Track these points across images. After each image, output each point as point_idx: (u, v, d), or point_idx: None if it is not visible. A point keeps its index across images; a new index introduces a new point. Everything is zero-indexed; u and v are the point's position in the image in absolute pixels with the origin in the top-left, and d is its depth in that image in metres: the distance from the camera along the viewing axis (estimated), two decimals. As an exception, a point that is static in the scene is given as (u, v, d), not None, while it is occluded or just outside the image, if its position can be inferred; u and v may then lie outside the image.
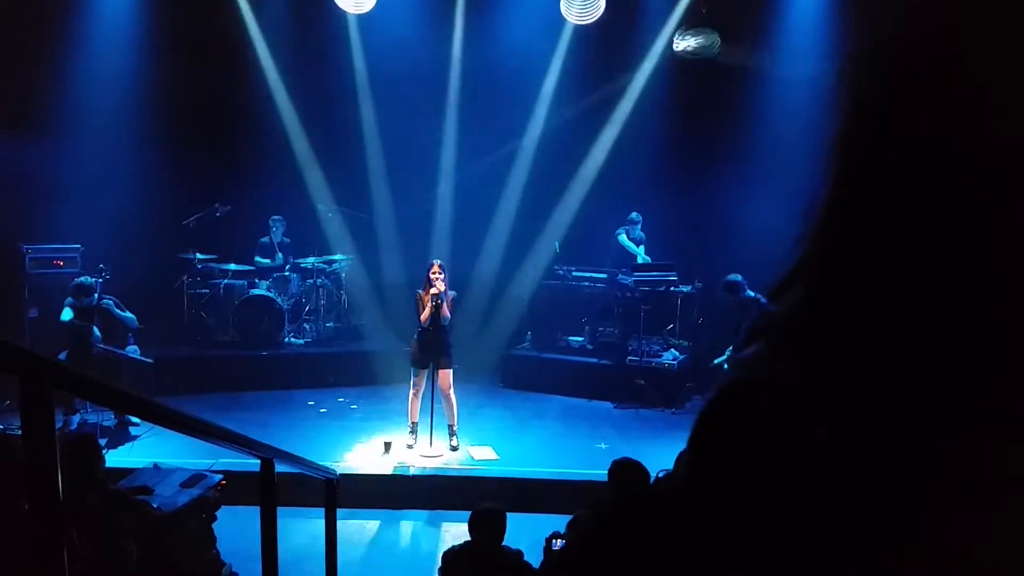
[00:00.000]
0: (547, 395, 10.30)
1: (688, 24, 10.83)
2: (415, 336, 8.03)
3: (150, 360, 8.57)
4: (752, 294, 8.57)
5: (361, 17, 11.44)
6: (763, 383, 0.76)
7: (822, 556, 0.62)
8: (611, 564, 0.88)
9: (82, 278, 8.50)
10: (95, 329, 8.18)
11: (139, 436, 7.97)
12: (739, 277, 8.63)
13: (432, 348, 7.93)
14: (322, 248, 11.28)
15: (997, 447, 0.55)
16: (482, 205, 11.88)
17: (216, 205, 10.66)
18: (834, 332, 0.63)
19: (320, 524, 4.89)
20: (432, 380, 8.00)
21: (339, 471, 5.15)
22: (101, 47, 10.61)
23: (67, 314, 8.18)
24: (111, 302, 8.46)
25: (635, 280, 10.30)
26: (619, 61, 11.66)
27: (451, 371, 8.09)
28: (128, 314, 8.59)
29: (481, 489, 7.16)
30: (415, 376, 8.09)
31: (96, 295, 8.31)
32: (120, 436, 8.03)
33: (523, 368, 10.83)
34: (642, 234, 10.94)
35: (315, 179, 11.81)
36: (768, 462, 0.68)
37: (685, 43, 10.64)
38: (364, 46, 11.65)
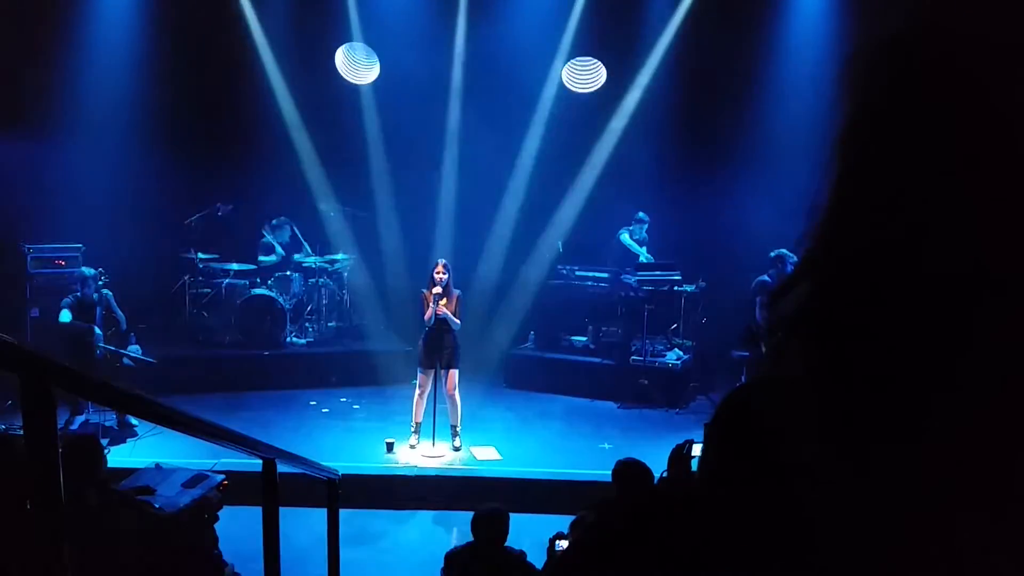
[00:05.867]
0: (550, 395, 10.29)
1: None
2: (422, 336, 8.03)
3: (152, 360, 8.55)
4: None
5: (363, 16, 11.49)
6: (770, 383, 0.76)
7: (827, 554, 0.62)
8: (615, 566, 0.87)
9: (84, 268, 8.54)
10: (96, 329, 8.17)
11: (138, 436, 7.95)
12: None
13: (438, 348, 7.92)
14: (324, 247, 11.28)
15: (998, 447, 0.55)
16: (485, 204, 11.88)
17: (218, 204, 10.67)
18: (839, 329, 0.63)
19: (322, 524, 4.88)
20: (437, 380, 7.99)
21: (341, 471, 5.14)
22: (103, 46, 10.61)
23: (65, 315, 8.18)
24: (111, 293, 8.52)
25: (638, 280, 10.29)
26: (625, 57, 11.65)
27: (456, 372, 8.08)
28: (121, 313, 8.62)
29: (484, 489, 7.16)
30: (420, 376, 8.08)
31: (93, 290, 8.35)
32: (122, 436, 8.03)
33: (526, 368, 10.82)
34: (646, 235, 10.94)
35: (317, 178, 11.80)
36: (776, 462, 0.68)
37: None
38: (366, 41, 11.64)
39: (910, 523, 0.58)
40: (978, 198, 0.57)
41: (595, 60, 11.48)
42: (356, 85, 11.68)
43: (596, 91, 11.63)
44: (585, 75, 11.53)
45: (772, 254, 8.74)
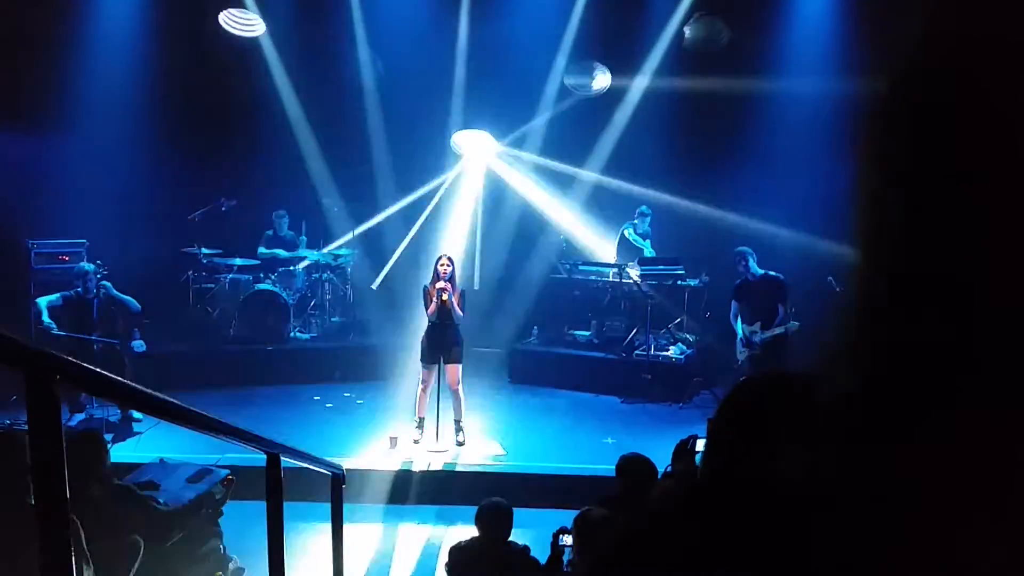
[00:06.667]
0: (554, 390, 10.29)
1: (697, 14, 10.88)
2: (425, 331, 8.02)
3: (116, 341, 8.46)
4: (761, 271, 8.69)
5: (366, 9, 11.49)
6: (773, 379, 0.76)
7: (827, 552, 0.62)
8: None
9: (83, 264, 8.55)
10: (44, 316, 8.12)
11: (141, 432, 7.95)
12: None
13: (441, 343, 7.92)
14: (328, 242, 11.27)
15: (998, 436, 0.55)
16: (487, 201, 11.87)
17: (221, 199, 10.68)
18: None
19: (326, 519, 4.89)
20: (440, 375, 7.99)
21: (345, 466, 5.14)
22: (106, 41, 10.61)
23: (48, 300, 8.23)
24: (109, 284, 8.50)
25: (641, 274, 10.28)
26: (627, 52, 11.63)
27: (460, 366, 8.07)
28: (128, 296, 8.59)
29: (487, 484, 7.15)
30: (423, 371, 8.08)
31: (94, 285, 8.32)
32: (125, 431, 8.05)
33: (530, 363, 10.82)
34: (649, 229, 10.93)
35: (320, 173, 11.81)
36: (778, 457, 0.68)
37: (693, 32, 10.72)
38: (369, 38, 11.64)
39: (909, 523, 0.58)
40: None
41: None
42: (360, 77, 11.61)
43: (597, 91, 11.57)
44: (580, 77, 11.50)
45: (736, 250, 8.92)
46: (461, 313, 7.93)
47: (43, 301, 8.23)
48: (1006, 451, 0.55)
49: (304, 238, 11.15)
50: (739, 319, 8.88)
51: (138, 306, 8.65)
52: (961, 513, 0.56)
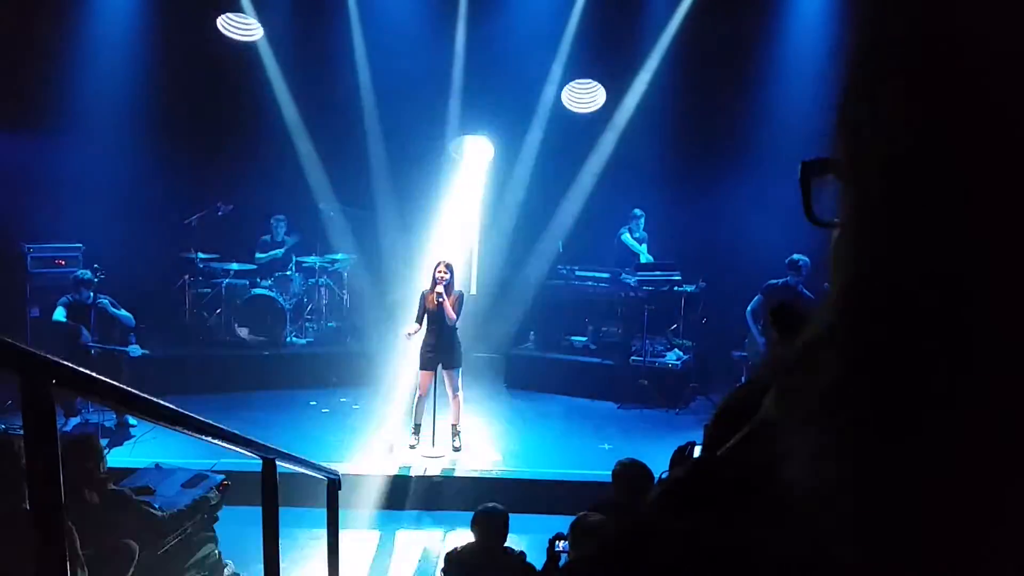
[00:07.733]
0: (550, 395, 10.28)
1: None
2: (424, 336, 8.00)
3: (125, 348, 8.47)
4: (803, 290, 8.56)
5: (364, 13, 11.50)
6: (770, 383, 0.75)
7: (825, 558, 0.62)
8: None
9: (80, 271, 8.54)
10: (83, 329, 8.14)
11: (137, 436, 7.93)
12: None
13: (438, 348, 7.90)
14: (324, 247, 11.27)
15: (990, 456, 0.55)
16: (486, 203, 11.87)
17: (218, 204, 10.67)
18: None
19: (322, 525, 4.88)
20: (437, 380, 7.97)
21: (341, 471, 5.14)
22: (104, 44, 10.60)
23: (59, 313, 8.21)
24: (107, 301, 8.45)
25: (638, 280, 10.28)
26: (625, 56, 11.65)
27: (457, 371, 8.06)
28: (123, 312, 8.57)
29: (483, 489, 7.15)
30: (421, 376, 8.06)
31: (92, 292, 8.31)
32: (121, 436, 8.03)
33: (526, 368, 10.81)
34: (644, 233, 10.93)
35: (317, 177, 11.80)
36: (776, 463, 0.68)
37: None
38: (367, 42, 11.65)
39: (906, 526, 0.58)
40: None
41: (594, 82, 11.51)
42: (357, 81, 11.64)
43: (602, 74, 11.64)
44: (585, 96, 11.59)
45: (788, 259, 8.67)
46: (455, 316, 7.89)
47: (59, 313, 8.25)
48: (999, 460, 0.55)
49: (290, 238, 11.13)
50: (757, 318, 8.75)
51: (133, 321, 8.65)
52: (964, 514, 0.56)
